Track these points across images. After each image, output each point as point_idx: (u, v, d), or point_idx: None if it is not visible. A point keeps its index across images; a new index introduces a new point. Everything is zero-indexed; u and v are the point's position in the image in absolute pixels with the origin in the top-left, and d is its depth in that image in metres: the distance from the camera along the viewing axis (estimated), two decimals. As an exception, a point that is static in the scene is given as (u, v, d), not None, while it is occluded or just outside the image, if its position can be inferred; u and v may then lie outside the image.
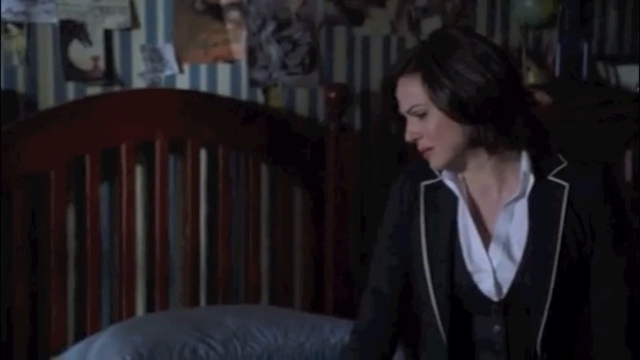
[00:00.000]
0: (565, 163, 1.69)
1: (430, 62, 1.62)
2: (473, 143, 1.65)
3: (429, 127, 1.64)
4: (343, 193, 2.69)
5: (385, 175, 2.69)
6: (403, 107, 1.67)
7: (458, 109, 1.60)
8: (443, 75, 1.60)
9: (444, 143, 1.64)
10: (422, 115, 1.64)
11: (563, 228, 1.65)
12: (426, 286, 1.69)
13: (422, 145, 1.67)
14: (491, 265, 1.67)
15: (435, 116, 1.63)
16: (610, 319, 1.67)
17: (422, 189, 1.74)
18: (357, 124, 2.86)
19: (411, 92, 1.64)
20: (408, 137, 1.68)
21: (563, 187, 1.66)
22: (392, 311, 1.76)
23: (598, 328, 1.68)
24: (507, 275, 1.66)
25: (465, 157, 1.67)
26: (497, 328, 1.67)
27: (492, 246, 1.68)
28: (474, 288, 1.67)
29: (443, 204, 1.71)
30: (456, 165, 1.68)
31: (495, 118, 1.62)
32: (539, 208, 1.66)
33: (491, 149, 1.66)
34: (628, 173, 2.78)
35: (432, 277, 1.68)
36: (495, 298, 1.67)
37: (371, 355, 1.76)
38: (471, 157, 1.67)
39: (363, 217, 2.82)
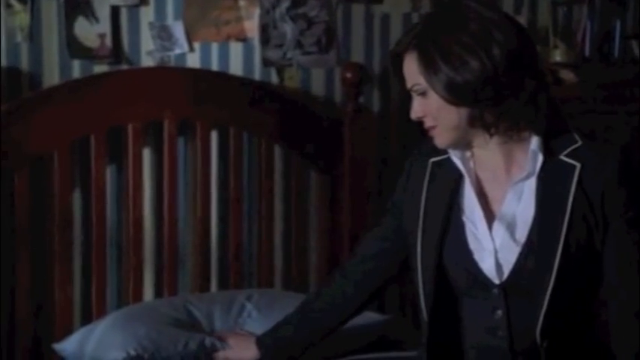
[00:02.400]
0: (579, 143, 1.61)
1: (427, 43, 1.57)
2: (473, 124, 1.60)
3: (430, 106, 1.60)
4: (360, 176, 2.60)
5: (405, 158, 2.58)
6: (407, 84, 1.64)
7: (454, 94, 1.56)
8: (439, 58, 1.56)
9: (445, 123, 1.61)
10: (423, 94, 1.61)
11: (571, 209, 1.56)
12: (416, 262, 1.66)
13: (426, 123, 1.64)
14: (494, 244, 1.59)
15: (434, 96, 1.59)
16: (624, 314, 1.57)
17: (429, 165, 1.70)
18: (376, 105, 2.76)
19: (412, 70, 1.61)
20: (413, 115, 1.65)
21: (574, 166, 1.58)
22: (373, 276, 1.80)
23: (612, 321, 1.59)
24: (509, 256, 1.59)
25: (469, 136, 1.62)
26: (499, 312, 1.59)
27: (495, 225, 1.62)
28: (474, 267, 1.61)
29: (446, 180, 1.66)
30: (461, 144, 1.64)
31: (495, 100, 1.56)
32: (548, 188, 1.59)
33: (493, 129, 1.60)
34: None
35: (422, 254, 1.64)
36: (496, 280, 1.60)
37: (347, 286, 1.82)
38: (474, 137, 1.63)
39: (383, 200, 2.71)
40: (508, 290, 1.59)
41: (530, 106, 1.58)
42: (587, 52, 2.85)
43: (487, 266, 1.61)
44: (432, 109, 1.60)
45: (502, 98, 1.56)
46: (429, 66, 1.56)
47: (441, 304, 1.64)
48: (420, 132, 1.66)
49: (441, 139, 1.63)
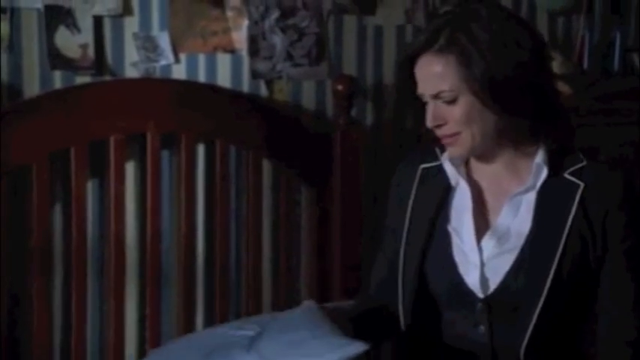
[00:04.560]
0: (584, 162, 1.55)
1: (464, 39, 1.46)
2: (499, 133, 1.51)
3: (456, 112, 1.50)
4: (351, 191, 2.52)
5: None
6: (427, 89, 1.51)
7: (495, 93, 1.46)
8: (477, 53, 1.45)
9: (474, 130, 1.50)
10: (451, 101, 1.49)
11: (570, 228, 1.49)
12: (398, 270, 1.59)
13: (446, 130, 1.52)
14: (480, 257, 1.51)
15: (466, 101, 1.48)
16: (614, 346, 1.50)
17: (419, 170, 1.63)
18: (369, 118, 2.69)
19: (439, 74, 1.48)
20: (432, 122, 1.52)
21: (578, 185, 1.51)
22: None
23: (601, 351, 1.51)
24: (497, 270, 1.52)
25: (488, 144, 1.53)
26: (482, 328, 1.51)
27: (487, 237, 1.54)
28: (458, 280, 1.54)
29: (435, 188, 1.59)
30: (476, 153, 1.56)
31: (522, 104, 1.49)
32: (548, 204, 1.52)
33: (513, 141, 1.54)
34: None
35: (404, 261, 1.57)
36: (480, 294, 1.53)
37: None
38: (489, 147, 1.54)
39: (375, 215, 2.64)
40: (493, 305, 1.52)
41: (548, 116, 1.52)
42: (585, 65, 2.78)
43: (471, 279, 1.54)
44: (459, 115, 1.49)
45: (536, 104, 1.50)
46: (470, 64, 1.46)
47: (421, 315, 1.57)
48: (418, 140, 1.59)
49: (461, 148, 1.53)
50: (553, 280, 1.48)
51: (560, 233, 1.49)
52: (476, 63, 1.45)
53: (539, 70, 1.51)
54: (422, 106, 1.55)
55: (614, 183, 1.52)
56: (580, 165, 1.54)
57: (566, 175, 1.53)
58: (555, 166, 1.54)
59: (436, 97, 1.50)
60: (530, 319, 1.47)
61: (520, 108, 1.49)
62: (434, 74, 1.48)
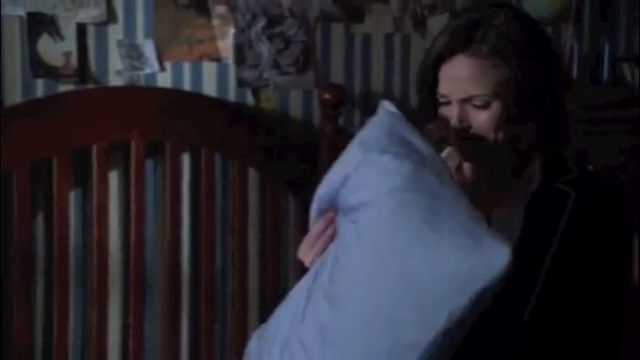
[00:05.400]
0: (576, 173, 1.51)
1: (499, 42, 1.39)
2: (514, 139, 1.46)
3: (485, 117, 1.43)
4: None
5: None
6: (457, 92, 1.43)
7: (526, 99, 1.41)
8: (516, 60, 1.40)
9: (499, 136, 1.44)
10: (481, 106, 1.42)
11: (560, 239, 1.45)
12: None
13: (471, 131, 1.44)
14: None
15: (498, 107, 1.42)
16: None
17: None
18: (357, 127, 2.66)
19: (474, 77, 1.41)
20: (457, 122, 1.43)
21: (569, 195, 1.47)
22: None
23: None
24: None
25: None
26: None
27: None
28: None
29: None
30: None
31: (544, 112, 1.45)
32: (538, 213, 1.49)
33: (516, 148, 1.49)
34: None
35: None
36: None
37: None
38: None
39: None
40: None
41: (556, 124, 1.49)
42: (574, 74, 2.76)
43: None
44: (491, 121, 1.42)
45: (544, 109, 1.46)
46: (504, 68, 1.39)
47: None
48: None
49: (480, 152, 1.46)
50: (540, 291, 1.45)
51: (550, 243, 1.46)
52: (513, 67, 1.40)
53: (558, 75, 1.48)
54: (435, 108, 1.49)
55: (605, 196, 1.49)
56: (572, 175, 1.51)
57: (559, 185, 1.50)
58: (548, 174, 1.51)
59: (466, 100, 1.43)
60: (519, 329, 1.44)
61: (538, 114, 1.46)
62: (468, 77, 1.41)
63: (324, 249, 1.43)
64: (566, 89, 1.52)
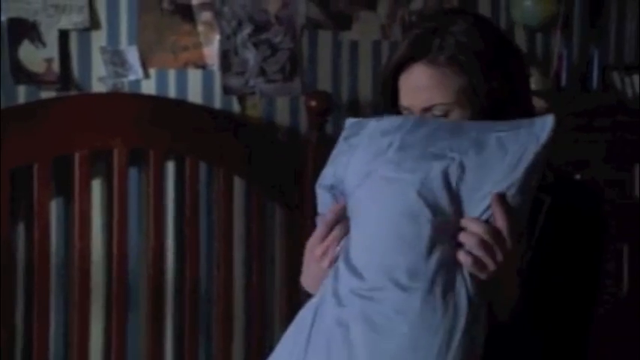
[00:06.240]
0: (551, 179, 1.46)
1: (457, 49, 1.35)
2: None
3: None
4: (325, 210, 2.46)
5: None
6: (418, 102, 1.39)
7: (487, 105, 1.37)
8: (475, 66, 1.35)
9: None
10: (443, 115, 1.37)
11: (536, 244, 1.41)
12: None
13: None
14: None
15: (459, 114, 1.38)
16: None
17: None
18: (344, 136, 2.64)
19: (433, 85, 1.36)
20: None
21: (542, 201, 1.43)
22: None
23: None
24: None
25: None
26: None
27: None
28: None
29: None
30: None
31: (509, 117, 1.37)
32: None
33: None
34: (637, 189, 2.52)
35: None
36: None
37: None
38: None
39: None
40: None
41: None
42: (564, 81, 2.73)
43: None
44: None
45: (510, 114, 1.39)
46: (463, 74, 1.35)
47: None
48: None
49: None
50: (519, 297, 1.41)
51: (526, 250, 1.42)
52: (472, 74, 1.36)
53: (523, 80, 1.45)
54: None
55: (583, 203, 1.44)
56: (547, 181, 1.48)
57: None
58: None
59: (427, 110, 1.39)
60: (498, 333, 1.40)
61: (503, 119, 1.43)
62: (427, 86, 1.37)
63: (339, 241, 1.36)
64: (531, 94, 1.49)
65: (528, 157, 1.25)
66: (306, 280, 1.41)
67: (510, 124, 1.31)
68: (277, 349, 1.34)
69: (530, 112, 1.45)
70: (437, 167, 1.26)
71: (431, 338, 1.20)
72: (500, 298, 1.30)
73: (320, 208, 1.40)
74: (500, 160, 1.26)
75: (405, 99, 1.40)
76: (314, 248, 1.36)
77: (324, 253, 1.35)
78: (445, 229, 1.24)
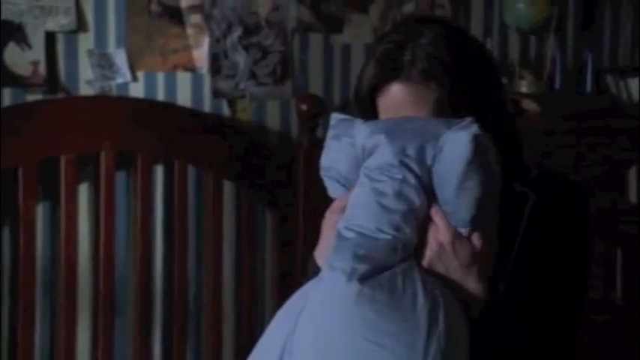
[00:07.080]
0: (535, 173, 1.44)
1: (429, 64, 1.33)
2: None
3: None
4: (315, 215, 2.43)
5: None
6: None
7: (465, 115, 1.34)
8: (449, 79, 1.33)
9: None
10: None
11: (520, 242, 1.39)
12: None
13: None
14: None
15: None
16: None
17: None
18: (336, 139, 2.61)
19: (411, 103, 1.35)
20: None
21: (527, 196, 1.41)
22: None
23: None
24: None
25: None
26: None
27: None
28: None
29: None
30: None
31: (487, 123, 1.36)
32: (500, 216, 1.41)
33: None
34: (632, 193, 2.49)
35: None
36: None
37: None
38: None
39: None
40: None
41: (503, 135, 1.41)
42: (557, 84, 2.71)
43: None
44: None
45: (487, 120, 1.36)
46: (439, 89, 1.33)
47: None
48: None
49: None
50: (504, 293, 1.39)
51: (512, 245, 1.40)
52: (445, 86, 1.34)
53: (497, 86, 1.44)
54: None
55: (568, 198, 1.43)
56: (531, 176, 1.46)
57: (515, 185, 1.42)
58: (506, 176, 1.40)
59: None
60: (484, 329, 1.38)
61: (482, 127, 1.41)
62: (406, 105, 1.35)
63: None
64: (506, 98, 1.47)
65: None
66: (320, 251, 1.42)
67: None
68: (269, 328, 1.35)
69: (507, 117, 1.43)
70: (415, 142, 1.30)
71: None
72: (464, 298, 1.30)
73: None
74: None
75: (384, 117, 1.39)
76: (332, 217, 1.39)
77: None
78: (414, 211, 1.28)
